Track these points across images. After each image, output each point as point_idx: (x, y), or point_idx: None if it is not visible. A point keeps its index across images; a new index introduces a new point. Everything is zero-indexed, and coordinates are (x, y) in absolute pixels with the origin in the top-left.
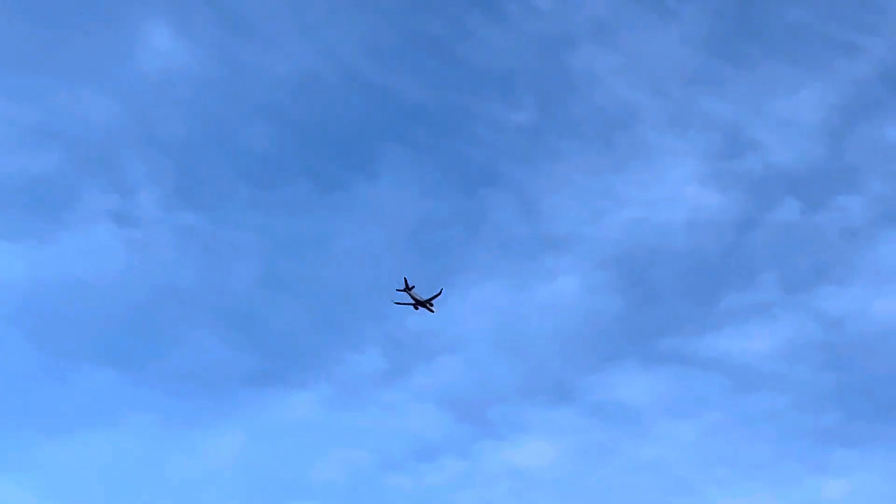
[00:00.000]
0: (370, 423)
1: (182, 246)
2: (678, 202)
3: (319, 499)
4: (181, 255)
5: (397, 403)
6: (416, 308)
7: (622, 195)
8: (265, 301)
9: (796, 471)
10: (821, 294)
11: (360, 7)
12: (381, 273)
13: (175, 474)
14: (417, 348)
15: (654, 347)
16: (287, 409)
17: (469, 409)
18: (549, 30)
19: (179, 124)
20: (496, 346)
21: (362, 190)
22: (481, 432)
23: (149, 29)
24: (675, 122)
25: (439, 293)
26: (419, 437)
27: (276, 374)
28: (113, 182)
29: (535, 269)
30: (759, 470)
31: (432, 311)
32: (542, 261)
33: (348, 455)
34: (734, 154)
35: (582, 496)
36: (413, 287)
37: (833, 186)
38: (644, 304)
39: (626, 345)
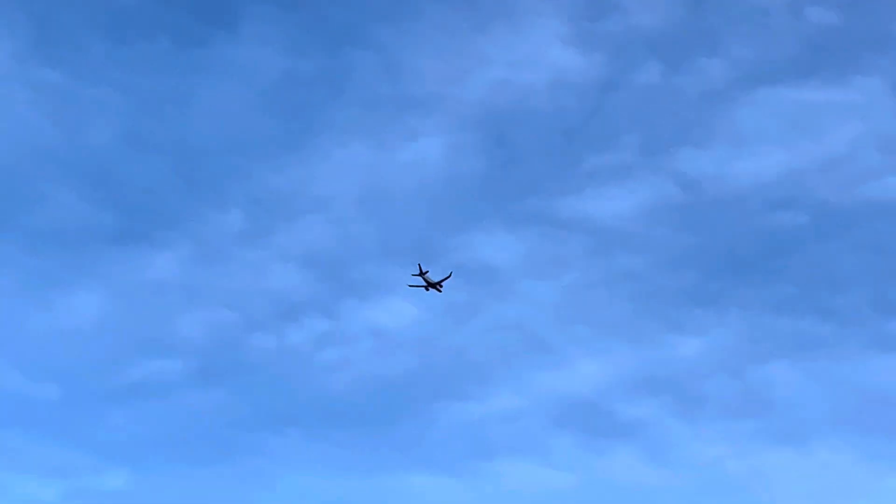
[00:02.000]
0: (233, 282)
1: (40, 102)
2: (541, 63)
3: (182, 357)
4: (39, 112)
5: (260, 263)
6: (427, 289)
7: (486, 56)
8: (126, 159)
9: (654, 329)
10: (680, 156)
11: None
12: (243, 131)
13: (36, 333)
14: (280, 208)
15: (517, 208)
16: (149, 267)
17: (332, 269)
18: None
19: None
20: (359, 206)
21: (223, 47)
22: (344, 292)
23: None
24: None
25: (449, 276)
26: (282, 297)
27: (138, 232)
28: None
29: (398, 130)
30: (618, 329)
31: (440, 291)
32: (406, 121)
33: (211, 314)
34: (597, 15)
35: (444, 355)
36: (427, 272)
37: (693, 49)
38: (506, 165)
39: (489, 205)
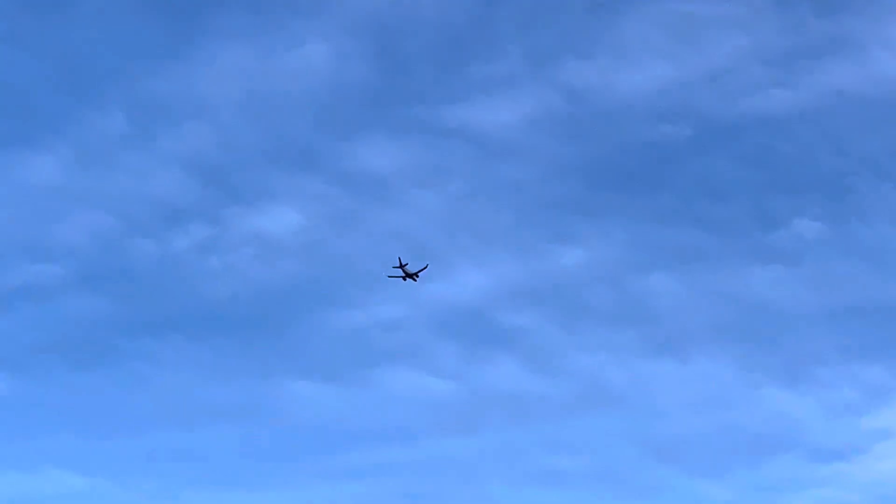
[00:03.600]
0: (115, 186)
1: None
2: None
3: (63, 262)
4: None
5: (143, 167)
6: (405, 279)
7: None
8: (5, 60)
9: (537, 239)
10: (565, 67)
11: None
12: (125, 33)
13: None
14: (163, 112)
15: (402, 116)
16: (29, 170)
17: (216, 175)
18: None
19: None
20: (243, 112)
21: None
22: (228, 198)
23: None
24: None
25: (425, 267)
26: (165, 202)
27: (16, 135)
28: None
29: (283, 35)
30: (502, 238)
31: (415, 281)
32: (292, 26)
33: (93, 218)
34: None
35: (328, 262)
36: (407, 264)
37: None
38: (392, 73)
39: (374, 113)
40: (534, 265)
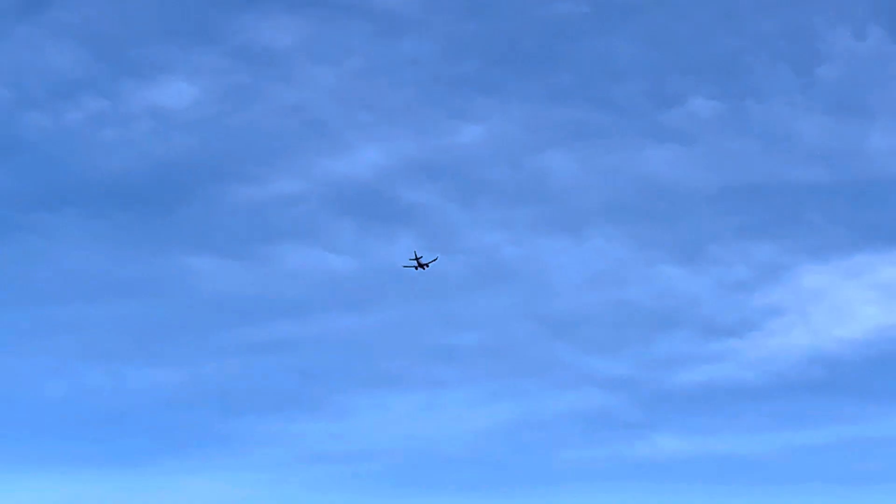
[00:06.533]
0: (7, 58)
1: None
2: None
3: None
4: None
5: (34, 39)
6: (417, 269)
7: None
8: None
9: (436, 116)
10: None
11: None
12: None
13: None
14: None
15: None
16: None
17: (110, 47)
18: None
19: None
20: None
21: None
22: (123, 71)
23: None
24: None
25: (435, 259)
26: (58, 74)
27: None
28: None
29: None
30: (401, 115)
31: (425, 269)
32: None
33: None
34: None
35: (224, 137)
36: (421, 257)
37: None
38: None
39: None
40: (432, 142)
